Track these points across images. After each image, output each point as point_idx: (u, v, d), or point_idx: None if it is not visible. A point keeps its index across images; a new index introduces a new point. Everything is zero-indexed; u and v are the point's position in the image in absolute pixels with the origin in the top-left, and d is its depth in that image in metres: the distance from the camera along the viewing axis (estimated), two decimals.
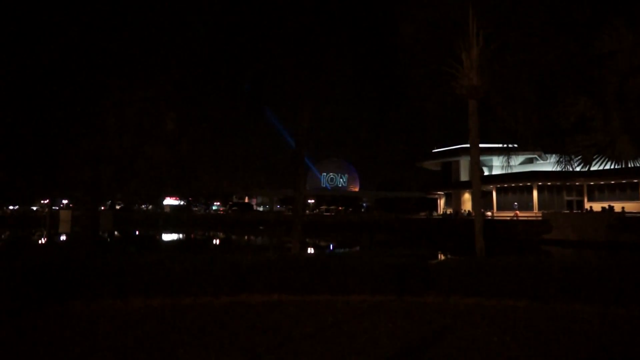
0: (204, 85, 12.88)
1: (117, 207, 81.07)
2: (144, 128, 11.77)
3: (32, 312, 6.52)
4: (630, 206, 36.71)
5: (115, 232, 55.88)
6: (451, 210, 55.94)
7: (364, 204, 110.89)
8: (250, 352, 4.83)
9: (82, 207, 13.27)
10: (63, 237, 46.38)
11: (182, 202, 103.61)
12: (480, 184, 10.89)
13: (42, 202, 73.15)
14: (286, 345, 5.03)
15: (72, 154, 11.02)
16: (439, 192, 65.11)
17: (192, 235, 54.95)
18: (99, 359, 4.66)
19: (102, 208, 69.80)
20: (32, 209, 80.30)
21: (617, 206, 37.31)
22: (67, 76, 10.77)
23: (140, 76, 11.97)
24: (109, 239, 47.20)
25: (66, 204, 78.69)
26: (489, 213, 46.69)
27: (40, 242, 42.91)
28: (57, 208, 71.62)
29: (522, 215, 43.40)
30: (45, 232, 50.68)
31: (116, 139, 11.44)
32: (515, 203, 49.70)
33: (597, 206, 41.10)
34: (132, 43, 12.05)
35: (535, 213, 42.88)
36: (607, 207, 37.85)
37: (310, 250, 36.26)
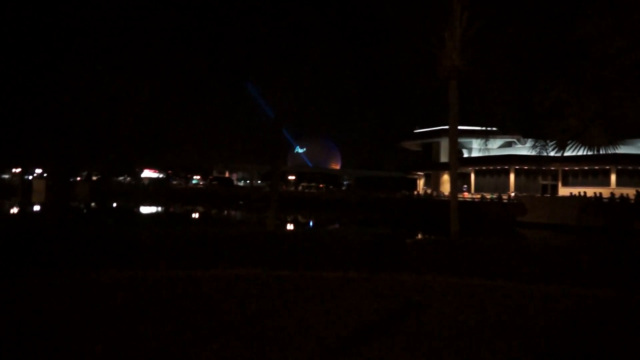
0: (181, 56, 12.47)
1: (94, 178, 79.39)
2: (118, 98, 11.39)
3: None
4: (601, 192, 37.85)
5: (92, 204, 54.87)
6: (430, 190, 56.78)
7: (345, 182, 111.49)
8: (218, 325, 4.84)
9: (54, 177, 12.91)
10: (36, 207, 45.34)
11: (161, 175, 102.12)
12: (458, 165, 11.02)
13: (13, 171, 71.00)
14: (253, 320, 5.05)
15: (42, 123, 10.62)
16: (418, 173, 65.81)
17: (171, 209, 54.42)
18: (57, 328, 4.59)
19: (78, 179, 68.28)
20: (4, 178, 77.88)
21: (590, 191, 38.42)
22: (36, 39, 10.26)
23: (115, 44, 11.49)
24: (85, 210, 46.36)
25: (40, 173, 76.60)
26: (466, 194, 47.89)
27: (10, 212, 41.88)
28: (29, 177, 69.73)
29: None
30: (17, 202, 49.52)
31: (89, 108, 11.05)
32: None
33: (570, 191, 42.30)
34: (107, 9, 11.51)
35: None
36: (578, 193, 38.96)
37: (289, 227, 36.41)
